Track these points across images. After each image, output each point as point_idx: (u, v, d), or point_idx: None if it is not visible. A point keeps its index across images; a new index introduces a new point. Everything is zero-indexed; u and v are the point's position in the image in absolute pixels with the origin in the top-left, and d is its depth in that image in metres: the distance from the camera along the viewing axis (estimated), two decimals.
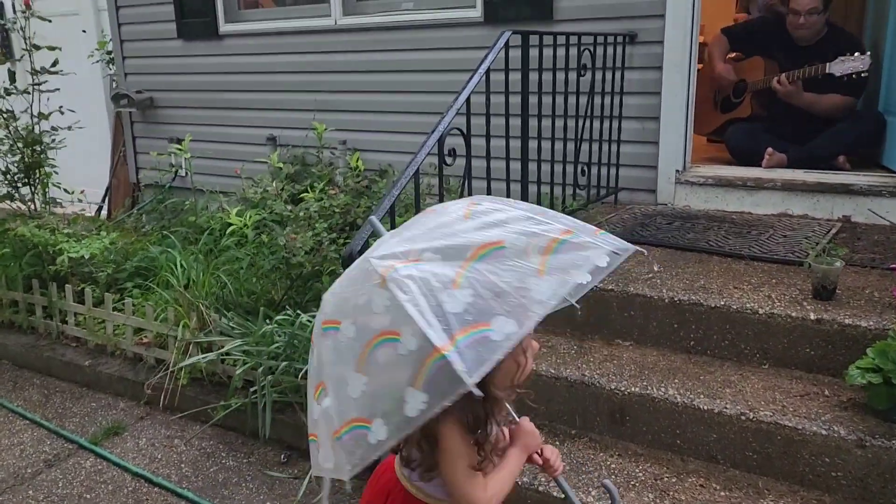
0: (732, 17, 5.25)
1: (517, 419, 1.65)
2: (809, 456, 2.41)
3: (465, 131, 2.85)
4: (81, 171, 6.58)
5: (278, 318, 3.22)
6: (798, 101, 4.11)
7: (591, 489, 2.49)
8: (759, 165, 4.04)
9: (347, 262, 1.92)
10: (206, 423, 3.34)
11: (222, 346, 3.36)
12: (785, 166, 4.00)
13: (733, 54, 4.66)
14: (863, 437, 2.33)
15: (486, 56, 2.91)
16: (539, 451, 1.66)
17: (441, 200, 2.87)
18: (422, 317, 1.19)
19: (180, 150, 4.39)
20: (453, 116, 2.77)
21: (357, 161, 4.25)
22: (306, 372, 2.96)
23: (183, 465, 3.07)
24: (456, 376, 1.15)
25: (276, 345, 3.13)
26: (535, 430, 1.65)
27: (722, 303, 2.82)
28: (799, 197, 3.79)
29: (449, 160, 2.77)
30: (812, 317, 2.67)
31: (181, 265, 3.84)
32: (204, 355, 3.34)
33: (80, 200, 4.53)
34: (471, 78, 2.83)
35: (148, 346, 3.77)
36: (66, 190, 4.52)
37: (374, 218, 1.66)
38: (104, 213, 6.54)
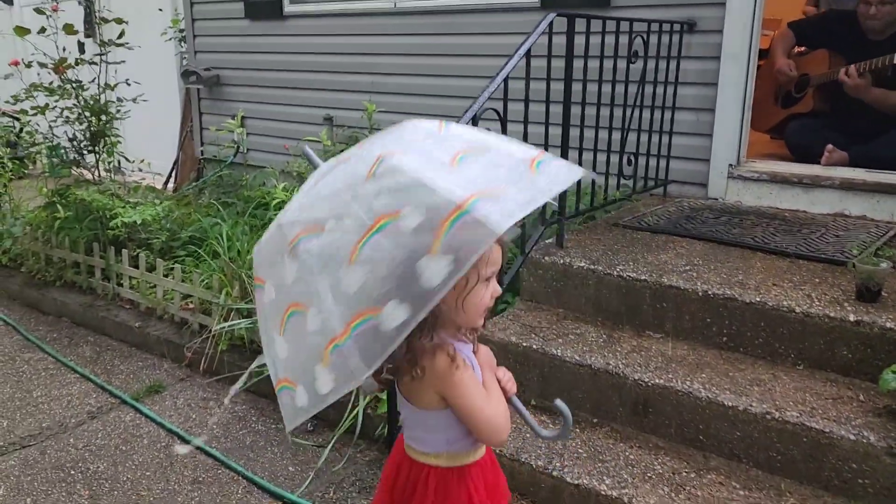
0: (801, 11, 5.03)
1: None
2: (836, 461, 2.32)
3: (500, 113, 2.84)
4: (152, 143, 6.87)
5: None
6: (865, 96, 3.92)
7: (605, 478, 2.46)
8: (818, 163, 3.88)
9: None
10: (241, 388, 3.44)
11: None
12: (846, 165, 3.83)
13: (799, 49, 4.48)
14: (894, 445, 2.22)
15: (525, 39, 2.88)
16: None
17: None
18: None
19: (236, 125, 4.51)
20: (486, 99, 2.76)
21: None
22: None
23: (214, 427, 3.18)
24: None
25: None
26: (489, 351, 1.65)
27: (758, 299, 2.73)
28: (858, 197, 3.63)
29: None
30: (851, 318, 2.56)
31: (227, 236, 3.95)
32: (236, 322, 3.43)
33: (140, 170, 4.71)
34: (508, 61, 2.81)
35: (193, 311, 3.91)
36: (127, 158, 4.71)
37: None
38: (170, 186, 6.79)
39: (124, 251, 4.25)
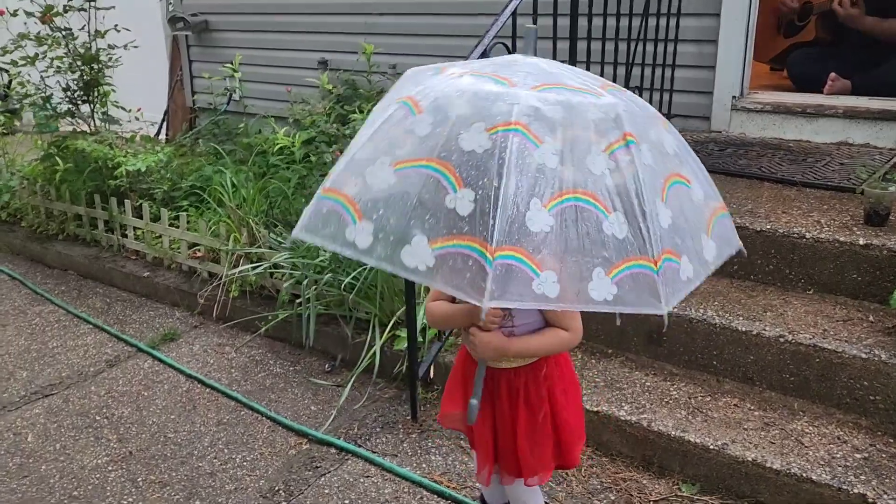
0: None
1: None
2: (847, 379, 2.39)
3: (509, 49, 2.81)
4: (139, 95, 6.73)
5: None
6: (860, 26, 3.90)
7: (623, 404, 2.53)
8: (821, 92, 3.88)
9: None
10: (255, 332, 3.48)
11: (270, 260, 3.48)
12: (849, 93, 3.84)
13: None
14: None
15: None
16: None
17: None
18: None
19: (233, 70, 4.43)
20: (494, 36, 2.73)
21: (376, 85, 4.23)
22: (349, 285, 3.07)
23: (233, 370, 3.23)
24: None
25: (321, 258, 3.21)
26: None
27: (768, 227, 2.77)
28: (861, 125, 3.64)
29: None
30: (861, 242, 2.61)
31: (232, 183, 3.93)
32: (253, 266, 3.45)
33: (137, 119, 4.65)
34: None
35: (201, 259, 3.92)
36: (123, 108, 4.64)
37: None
38: (162, 136, 6.70)
39: (127, 202, 4.23)
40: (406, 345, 2.90)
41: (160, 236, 4.15)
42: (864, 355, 2.35)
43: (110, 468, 2.60)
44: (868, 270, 2.61)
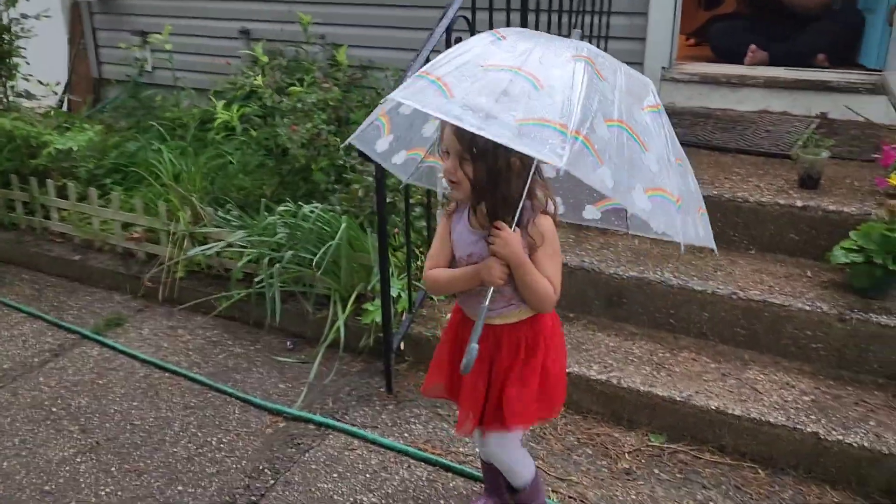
0: None
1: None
2: (793, 330, 2.62)
3: (470, 21, 2.85)
4: (33, 64, 6.29)
5: (280, 209, 3.25)
6: None
7: (592, 364, 2.66)
8: (742, 63, 4.12)
9: None
10: (207, 314, 3.41)
11: (220, 239, 3.39)
12: (767, 64, 4.10)
13: None
14: (843, 312, 2.53)
15: None
16: None
17: None
18: None
19: (158, 39, 4.22)
20: (458, 7, 2.75)
21: (343, 55, 4.18)
22: (310, 262, 3.05)
23: (191, 353, 3.15)
24: None
25: (279, 236, 3.17)
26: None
27: (714, 192, 2.95)
28: (779, 94, 3.91)
29: None
30: (799, 204, 2.83)
31: (170, 160, 3.78)
32: (207, 247, 3.35)
33: (55, 93, 4.36)
34: None
35: (139, 240, 3.77)
36: (40, 82, 4.34)
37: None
38: (64, 109, 6.31)
39: (49, 182, 3.99)
40: (371, 318, 2.93)
41: (88, 217, 3.95)
42: (807, 307, 2.58)
43: (79, 460, 2.51)
44: (805, 230, 2.85)
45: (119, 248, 3.86)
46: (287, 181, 3.85)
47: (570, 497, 2.28)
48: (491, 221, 1.69)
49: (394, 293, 2.94)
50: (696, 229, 1.61)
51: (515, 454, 2.01)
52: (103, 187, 4.07)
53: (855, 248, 2.54)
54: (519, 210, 1.64)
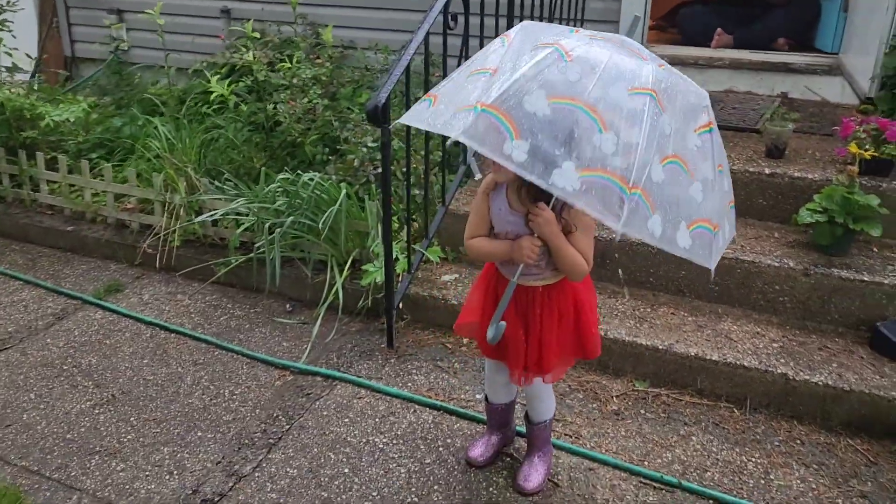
0: None
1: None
2: (763, 285, 2.86)
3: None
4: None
5: (280, 177, 3.37)
6: None
7: None
8: (709, 46, 4.37)
9: None
10: (205, 280, 3.52)
11: (216, 209, 3.51)
12: (732, 47, 4.36)
13: None
14: (808, 267, 2.79)
15: None
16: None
17: (445, 68, 3.06)
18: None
19: (149, 15, 4.27)
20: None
21: (329, 35, 4.29)
22: (309, 228, 3.19)
23: (193, 315, 3.27)
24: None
25: (279, 203, 3.30)
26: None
27: None
28: (744, 75, 4.16)
29: (452, 23, 2.95)
30: (767, 171, 3.08)
31: (165, 133, 3.86)
32: (210, 214, 3.46)
33: (41, 68, 4.38)
34: None
35: (133, 211, 3.85)
36: (28, 55, 4.36)
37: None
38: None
39: (39, 154, 4.03)
40: (371, 279, 3.08)
41: (79, 189, 4.01)
42: (776, 264, 2.82)
43: (97, 411, 2.62)
44: (772, 195, 3.10)
45: (111, 220, 3.93)
46: (277, 154, 3.97)
47: (566, 434, 2.49)
48: (532, 202, 1.85)
49: (394, 255, 3.11)
50: (666, 231, 1.56)
51: (549, 392, 2.21)
52: (89, 162, 4.13)
53: (819, 209, 2.79)
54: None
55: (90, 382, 2.79)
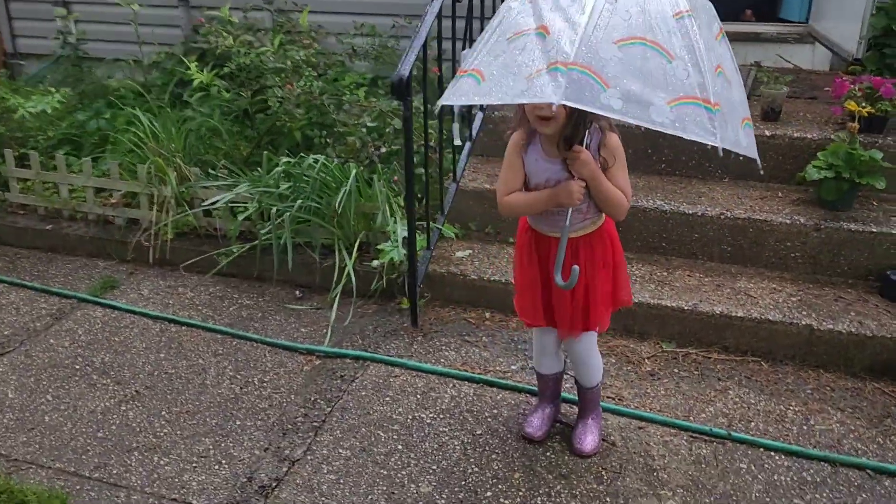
0: None
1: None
2: (775, 242, 2.96)
3: None
4: None
5: (284, 160, 3.29)
6: None
7: None
8: None
9: None
10: (204, 273, 3.40)
11: (210, 198, 3.40)
12: None
13: None
14: (818, 223, 2.89)
15: None
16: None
17: (453, 45, 3.04)
18: None
19: (125, 2, 4.07)
20: None
21: (305, 19, 4.20)
22: (315, 211, 3.12)
23: (200, 308, 3.16)
24: None
25: (285, 187, 3.22)
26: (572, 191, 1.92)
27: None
28: None
29: None
30: (767, 133, 3.18)
31: (149, 123, 3.70)
32: (210, 202, 3.34)
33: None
34: None
35: (117, 205, 3.69)
36: None
37: None
38: None
39: (7, 151, 3.81)
40: (388, 258, 3.04)
41: (54, 187, 3.81)
42: (787, 221, 2.92)
43: (124, 408, 2.51)
44: (773, 157, 3.19)
45: (92, 216, 3.75)
46: (263, 141, 3.86)
47: (608, 397, 2.51)
48: (568, 148, 1.87)
49: (406, 234, 3.07)
50: (736, 136, 1.66)
51: (596, 353, 2.22)
52: (53, 157, 3.92)
53: (824, 166, 2.90)
54: (589, 132, 1.85)
55: (109, 380, 2.66)
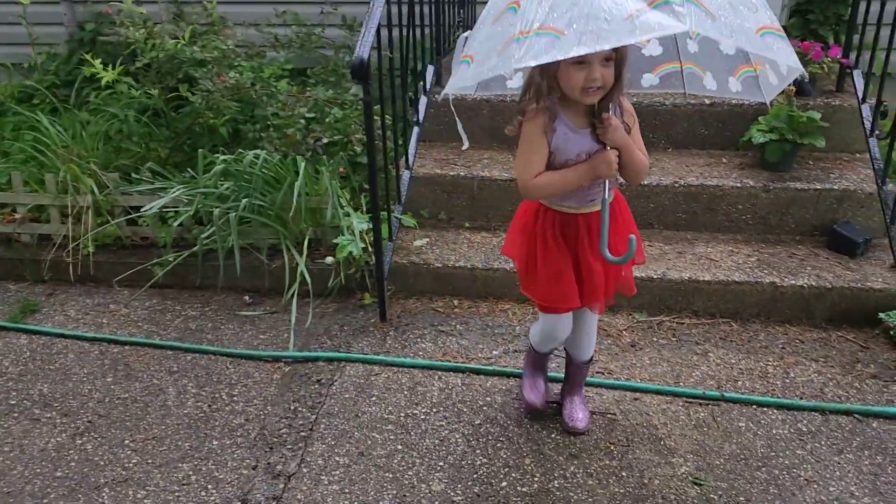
0: None
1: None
2: (727, 206, 3.03)
3: None
4: None
5: (223, 157, 3.05)
6: None
7: None
8: None
9: None
10: (135, 287, 3.11)
11: (139, 205, 3.12)
12: None
13: None
14: (766, 184, 2.99)
15: None
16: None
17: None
18: None
19: None
20: None
21: (215, 8, 3.92)
22: (260, 209, 2.91)
23: (140, 324, 2.88)
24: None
25: (225, 187, 2.99)
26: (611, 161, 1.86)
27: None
28: None
29: None
30: (707, 102, 3.25)
31: (51, 127, 3.34)
32: (150, 206, 3.05)
33: None
34: None
35: (22, 221, 3.31)
36: None
37: None
38: None
39: None
40: (347, 252, 2.88)
41: None
42: (738, 184, 3.00)
43: (80, 441, 2.24)
44: (713, 124, 3.28)
45: None
46: (183, 141, 3.59)
47: (598, 372, 2.49)
48: (596, 115, 1.80)
49: (363, 227, 2.93)
50: (776, 73, 1.83)
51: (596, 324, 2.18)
52: None
53: (768, 129, 3.00)
54: (613, 98, 1.79)
55: (54, 412, 2.37)
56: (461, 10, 4.00)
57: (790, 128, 2.96)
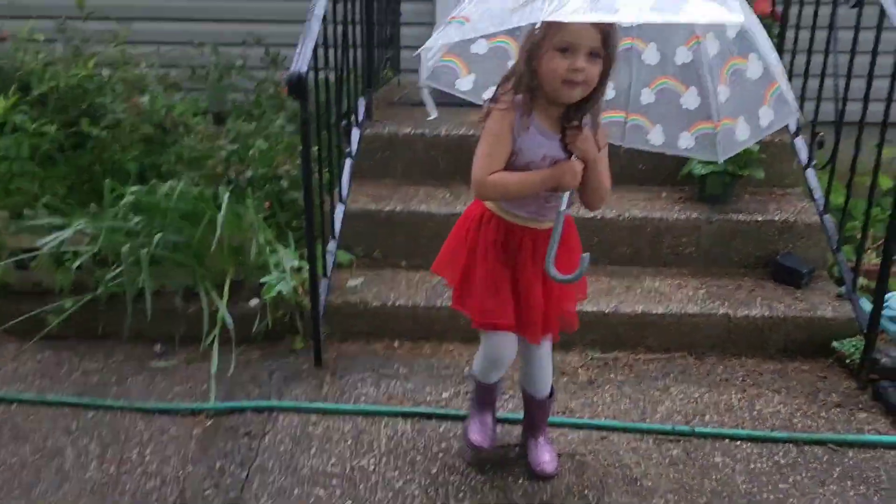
0: None
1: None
2: (671, 239, 2.96)
3: None
4: None
5: (133, 189, 2.73)
6: None
7: None
8: None
9: None
10: (25, 339, 2.70)
11: (29, 247, 2.75)
12: None
13: None
14: (709, 216, 2.95)
15: None
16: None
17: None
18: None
19: None
20: None
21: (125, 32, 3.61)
22: (175, 247, 2.61)
23: (31, 379, 2.48)
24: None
25: (136, 221, 2.66)
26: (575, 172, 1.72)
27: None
28: None
29: None
30: None
31: None
32: (49, 238, 2.66)
33: None
34: None
35: None
36: None
37: None
38: None
39: None
40: (274, 292, 2.62)
41: None
42: (682, 216, 2.95)
43: None
44: (650, 160, 3.22)
45: None
46: (85, 179, 3.24)
47: (558, 412, 2.29)
48: (567, 122, 1.66)
49: (294, 264, 2.68)
50: (753, 125, 1.75)
51: (551, 356, 1.98)
52: None
53: (707, 161, 2.97)
54: (589, 109, 1.66)
55: None
56: (388, 49, 3.89)
57: (730, 159, 2.93)
